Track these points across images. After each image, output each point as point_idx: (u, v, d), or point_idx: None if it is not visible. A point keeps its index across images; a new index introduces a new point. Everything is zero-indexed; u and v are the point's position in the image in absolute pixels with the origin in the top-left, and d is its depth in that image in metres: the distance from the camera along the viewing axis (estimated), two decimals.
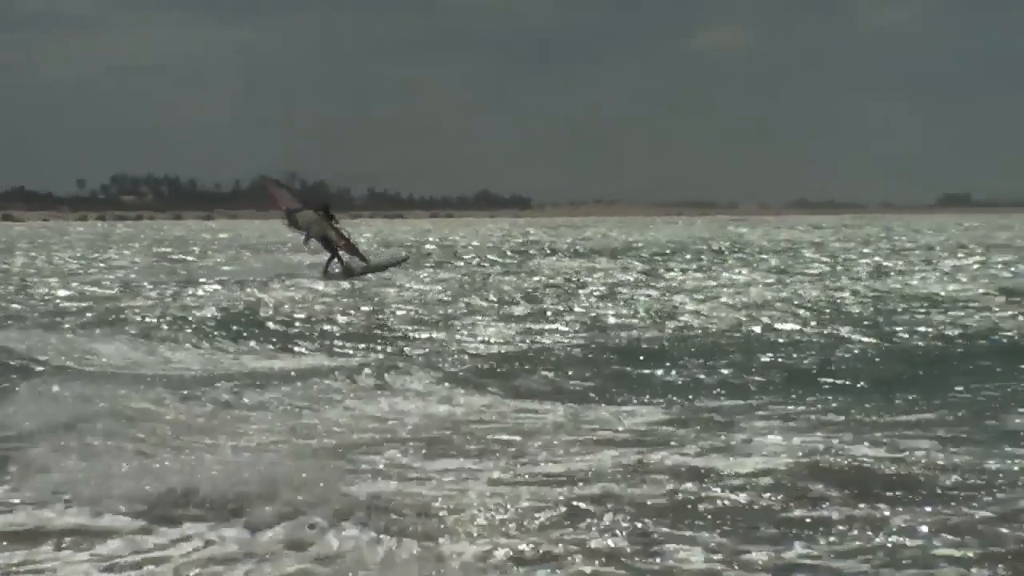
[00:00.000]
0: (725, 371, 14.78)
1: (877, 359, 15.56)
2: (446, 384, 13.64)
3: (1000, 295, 24.18)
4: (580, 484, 8.61)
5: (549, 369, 14.93)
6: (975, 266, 35.75)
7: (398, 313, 21.30)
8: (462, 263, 40.62)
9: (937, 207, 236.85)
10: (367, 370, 14.24)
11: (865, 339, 17.16)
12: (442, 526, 7.53)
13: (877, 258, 41.54)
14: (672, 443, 10.12)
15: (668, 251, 50.30)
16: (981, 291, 25.01)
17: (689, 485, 8.56)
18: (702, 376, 14.50)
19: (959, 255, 42.47)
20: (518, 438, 10.48)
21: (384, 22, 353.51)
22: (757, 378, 14.36)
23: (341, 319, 20.26)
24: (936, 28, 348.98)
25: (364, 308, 22.06)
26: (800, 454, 9.53)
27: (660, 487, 8.51)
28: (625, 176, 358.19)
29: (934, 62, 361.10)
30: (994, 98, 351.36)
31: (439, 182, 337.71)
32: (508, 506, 8.01)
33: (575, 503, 8.09)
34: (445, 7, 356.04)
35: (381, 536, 7.27)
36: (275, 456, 9.15)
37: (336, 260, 29.92)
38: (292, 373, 13.99)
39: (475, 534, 7.43)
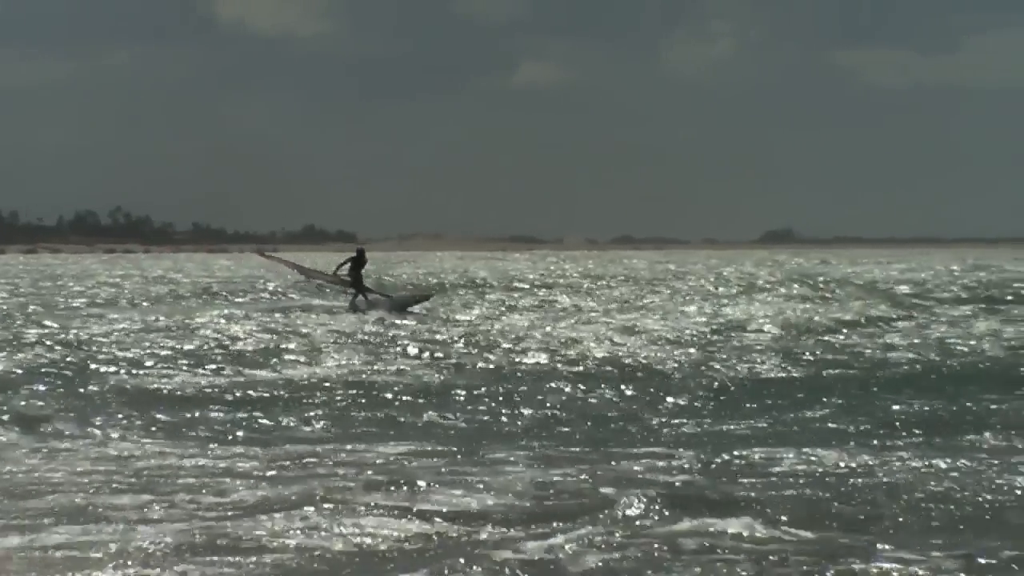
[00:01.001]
0: (502, 408, 14.95)
1: (652, 393, 15.97)
2: (193, 431, 13.44)
3: (792, 330, 24.77)
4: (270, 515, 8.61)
5: (324, 408, 14.85)
6: (778, 300, 36.44)
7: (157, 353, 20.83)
8: (267, 295, 39.92)
9: (760, 243, 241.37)
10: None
11: (654, 374, 17.67)
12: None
13: (684, 295, 42.12)
14: (402, 477, 10.11)
15: (491, 285, 50.29)
16: (774, 330, 25.42)
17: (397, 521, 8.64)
18: (481, 410, 14.72)
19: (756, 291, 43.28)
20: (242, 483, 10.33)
21: (202, 53, 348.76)
22: (527, 412, 14.59)
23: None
24: (746, 64, 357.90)
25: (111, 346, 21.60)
26: (526, 486, 9.76)
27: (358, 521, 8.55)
28: (453, 211, 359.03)
29: (747, 98, 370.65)
30: (815, 134, 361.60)
31: (264, 216, 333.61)
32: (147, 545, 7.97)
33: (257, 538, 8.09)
34: (265, 38, 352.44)
35: None
36: None
37: (363, 297, 31.65)
38: None
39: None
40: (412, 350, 21.12)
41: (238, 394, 15.92)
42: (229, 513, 8.95)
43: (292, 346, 21.65)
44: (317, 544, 8.09)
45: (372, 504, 9.12)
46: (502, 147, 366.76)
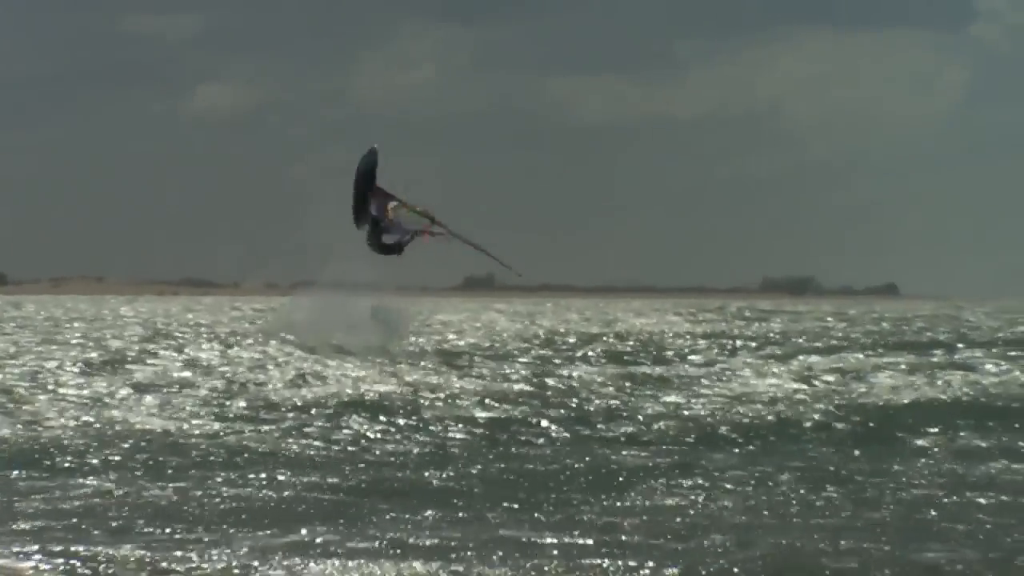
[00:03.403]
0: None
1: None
2: None
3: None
4: None
5: None
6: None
7: None
8: None
9: (460, 290, 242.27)
10: None
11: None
12: None
13: None
14: None
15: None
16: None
17: None
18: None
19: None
20: None
21: None
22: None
23: None
24: (446, 92, 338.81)
25: None
26: None
27: None
28: (116, 250, 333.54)
29: (446, 129, 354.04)
30: (522, 169, 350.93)
31: None
32: None
33: None
34: None
35: None
36: None
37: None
38: None
39: None
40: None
41: None
42: None
43: None
44: None
45: None
46: (172, 179, 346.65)
